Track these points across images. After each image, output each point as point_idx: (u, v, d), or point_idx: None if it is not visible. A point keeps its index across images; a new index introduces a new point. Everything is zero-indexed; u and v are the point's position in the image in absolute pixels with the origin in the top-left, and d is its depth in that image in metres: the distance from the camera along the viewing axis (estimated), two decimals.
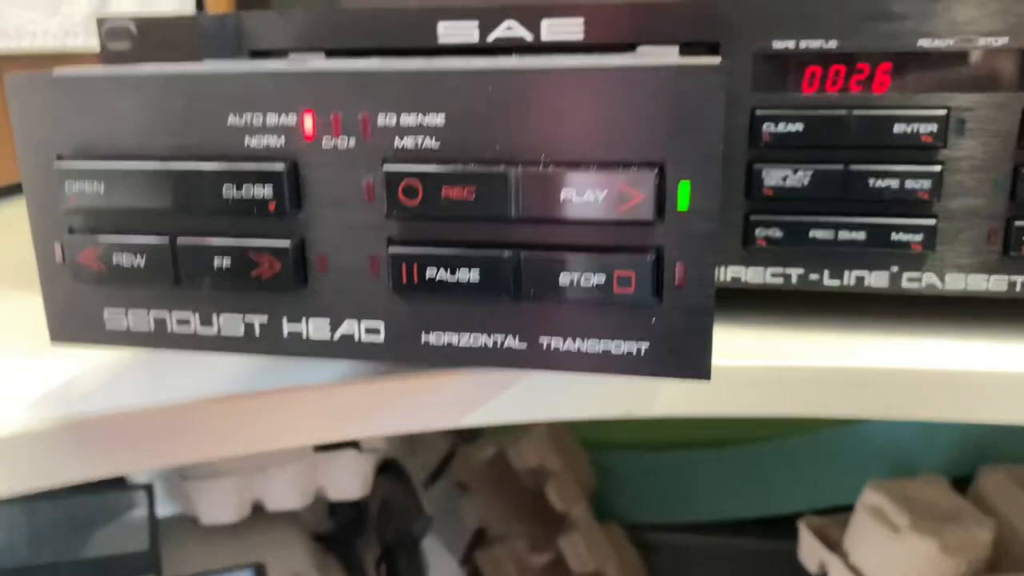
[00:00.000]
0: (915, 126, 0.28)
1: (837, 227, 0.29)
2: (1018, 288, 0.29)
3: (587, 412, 0.26)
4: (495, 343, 0.20)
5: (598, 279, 0.18)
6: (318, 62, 0.20)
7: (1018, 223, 0.28)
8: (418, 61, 0.19)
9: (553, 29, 0.29)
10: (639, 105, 0.18)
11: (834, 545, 0.76)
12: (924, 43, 0.28)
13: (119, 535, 0.57)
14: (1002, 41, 0.27)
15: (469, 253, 0.19)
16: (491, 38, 0.30)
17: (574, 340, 0.19)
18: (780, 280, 0.30)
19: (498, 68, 0.18)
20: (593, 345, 0.19)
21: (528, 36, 0.30)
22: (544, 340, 0.20)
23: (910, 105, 0.28)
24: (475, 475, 0.87)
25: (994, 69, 0.28)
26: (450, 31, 0.30)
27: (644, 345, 0.19)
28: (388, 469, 0.75)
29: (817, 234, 0.29)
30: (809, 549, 0.76)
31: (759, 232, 0.30)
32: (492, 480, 0.92)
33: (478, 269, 0.19)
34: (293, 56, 0.29)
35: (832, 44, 0.28)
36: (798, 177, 0.29)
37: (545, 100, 0.18)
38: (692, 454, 0.89)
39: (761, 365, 0.28)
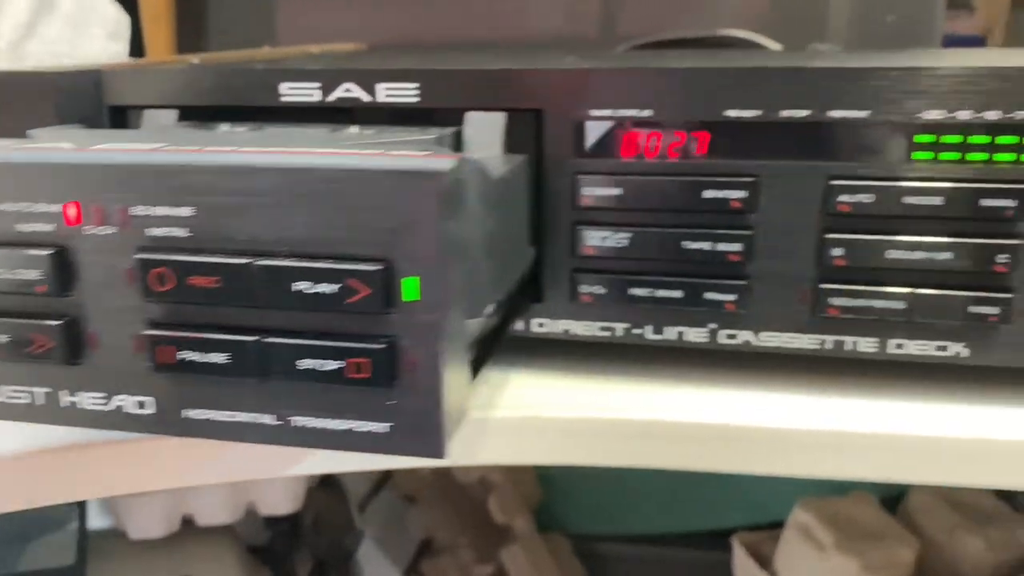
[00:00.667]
0: (725, 192, 0.29)
1: (655, 285, 0.30)
2: (828, 346, 0.30)
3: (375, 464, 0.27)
4: (250, 420, 0.21)
5: (335, 364, 0.20)
6: (87, 150, 0.21)
7: (824, 286, 0.30)
8: (171, 153, 0.20)
9: (388, 92, 0.30)
10: (366, 205, 0.19)
11: (766, 561, 0.77)
12: (731, 113, 0.29)
13: (47, 549, 0.58)
14: (804, 113, 0.28)
15: (218, 337, 0.20)
16: (331, 98, 0.31)
17: (320, 419, 0.21)
18: (607, 333, 0.32)
19: (239, 163, 0.20)
20: (337, 424, 0.20)
21: (365, 97, 0.31)
22: (293, 419, 0.21)
23: (721, 172, 0.29)
24: (421, 487, 0.88)
25: (799, 139, 0.29)
26: (293, 91, 0.31)
27: (384, 426, 0.20)
28: (323, 483, 0.77)
29: (637, 291, 0.31)
30: (742, 565, 0.77)
31: (583, 288, 0.31)
32: (438, 491, 0.93)
33: (227, 353, 0.20)
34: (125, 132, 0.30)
35: (646, 113, 0.29)
36: (617, 238, 0.30)
37: (282, 196, 0.20)
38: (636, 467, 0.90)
39: (558, 416, 0.29)
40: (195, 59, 0.39)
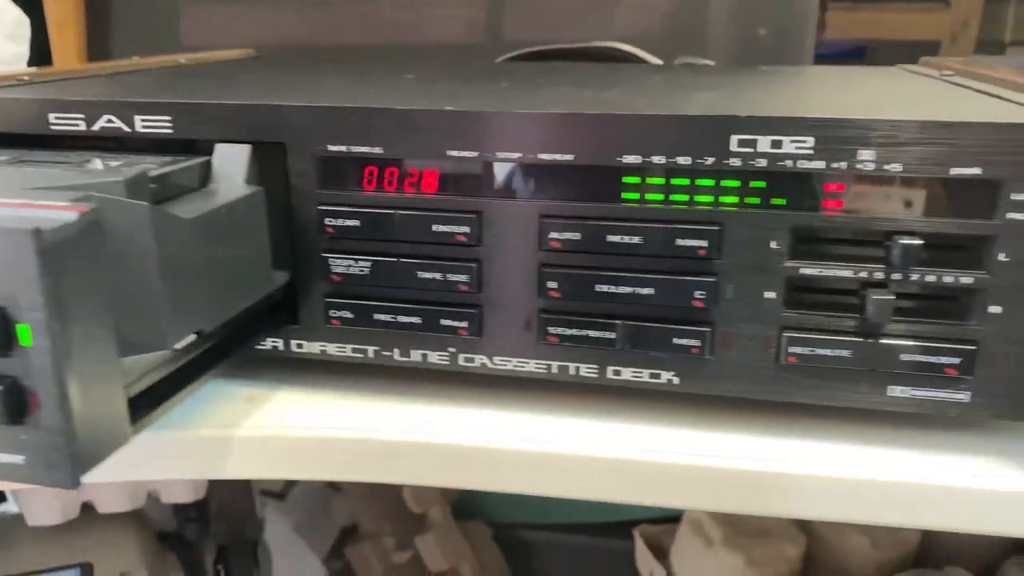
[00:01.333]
0: (451, 227, 0.31)
1: (396, 312, 0.32)
2: (554, 371, 0.32)
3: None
4: None
5: None
6: None
7: (543, 315, 0.31)
8: None
9: (145, 123, 0.32)
10: None
11: (664, 553, 0.79)
12: (452, 153, 0.30)
13: None
14: (516, 155, 0.30)
15: None
16: (96, 127, 0.33)
17: None
18: (360, 355, 0.34)
19: None
20: None
21: (126, 128, 0.33)
22: None
23: (448, 208, 0.31)
24: None
25: (515, 178, 0.30)
26: (60, 121, 0.33)
27: (19, 458, 0.22)
28: None
29: (380, 316, 0.32)
30: (642, 557, 0.80)
31: (332, 313, 0.33)
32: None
33: None
34: None
35: (378, 150, 0.31)
36: (360, 266, 0.32)
37: None
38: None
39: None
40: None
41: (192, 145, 0.32)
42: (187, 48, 0.72)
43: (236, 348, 0.31)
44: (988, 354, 0.29)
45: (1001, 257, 0.28)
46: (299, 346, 0.34)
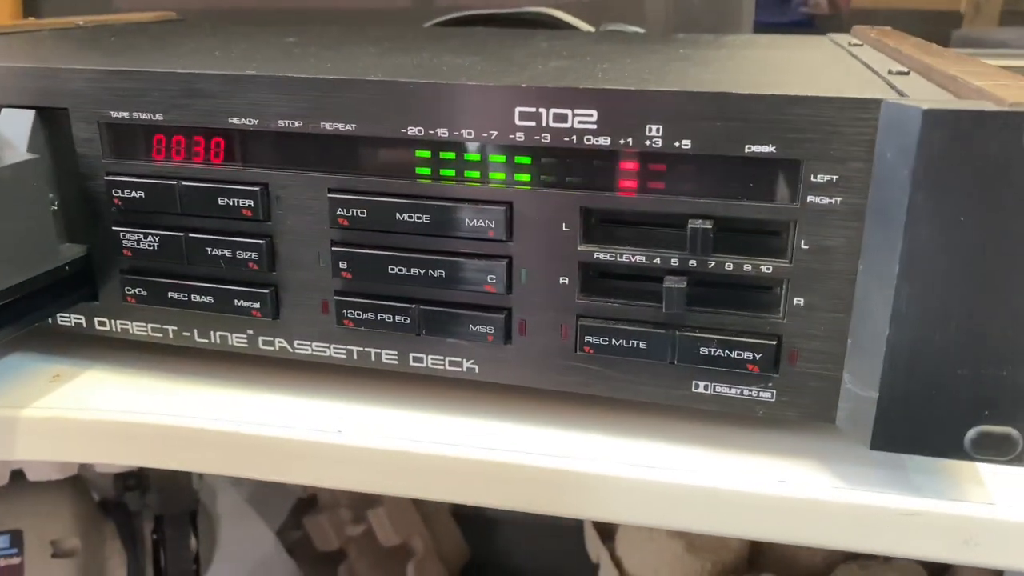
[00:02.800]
0: (236, 200, 0.29)
1: (189, 290, 0.30)
2: (355, 357, 0.30)
3: None
4: None
5: None
6: None
7: (338, 298, 0.29)
8: None
9: None
10: None
11: (610, 535, 0.78)
12: (234, 121, 0.28)
13: None
14: (297, 123, 0.28)
15: None
16: None
17: None
18: (160, 335, 0.32)
19: None
20: None
21: None
22: None
23: (233, 180, 0.29)
24: None
25: (301, 149, 0.28)
26: None
27: None
28: None
29: (174, 295, 0.31)
30: (590, 539, 0.78)
31: (128, 290, 0.31)
32: None
33: None
34: None
35: (159, 117, 0.29)
36: (149, 241, 0.30)
37: None
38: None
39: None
40: None
41: None
42: (117, 10, 0.70)
43: (15, 324, 0.30)
44: (792, 349, 0.26)
45: (803, 244, 0.25)
46: (101, 324, 0.32)
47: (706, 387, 0.27)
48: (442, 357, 0.29)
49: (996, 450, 0.24)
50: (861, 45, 0.44)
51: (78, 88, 0.29)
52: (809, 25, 0.67)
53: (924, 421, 0.24)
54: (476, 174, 0.27)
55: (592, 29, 0.63)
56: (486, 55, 0.35)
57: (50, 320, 0.32)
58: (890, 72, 0.30)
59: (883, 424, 0.25)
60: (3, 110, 0.30)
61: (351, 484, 0.29)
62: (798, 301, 0.26)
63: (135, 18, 0.62)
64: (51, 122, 0.30)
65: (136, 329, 0.32)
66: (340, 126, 0.28)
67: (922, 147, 0.22)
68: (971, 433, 0.24)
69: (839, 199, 0.25)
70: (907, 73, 0.31)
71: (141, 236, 0.30)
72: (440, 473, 0.28)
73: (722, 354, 0.26)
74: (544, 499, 0.28)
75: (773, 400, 0.27)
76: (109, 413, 0.31)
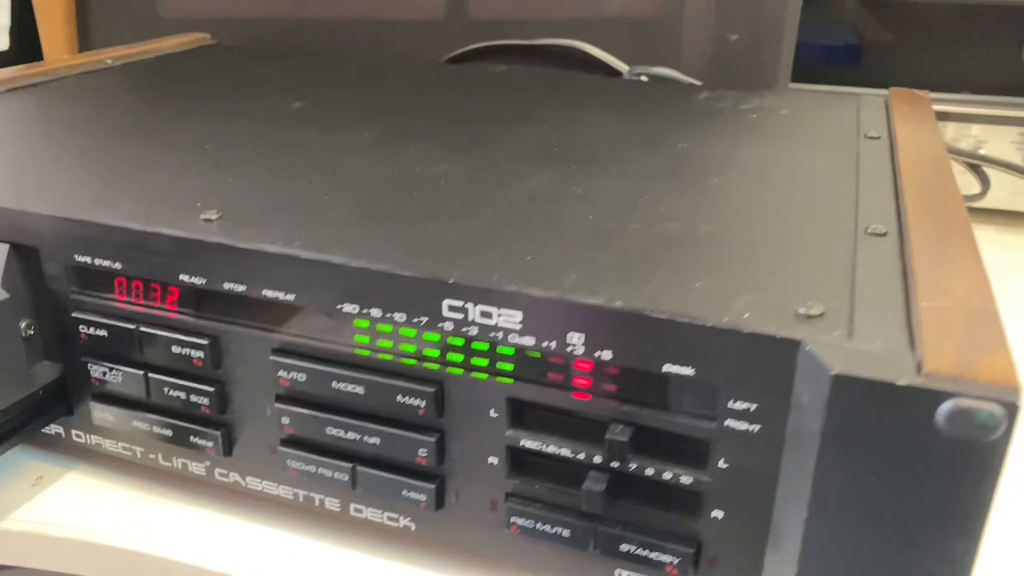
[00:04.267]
0: (189, 350, 0.30)
1: (151, 423, 0.32)
2: (301, 499, 0.31)
3: None
4: None
5: None
6: None
7: (282, 449, 0.30)
8: None
9: None
10: None
11: None
12: (184, 278, 0.29)
13: None
14: (242, 288, 0.28)
15: None
16: None
17: None
18: (129, 454, 0.34)
19: None
20: None
21: None
22: None
23: (186, 330, 0.30)
24: None
25: (247, 309, 0.29)
26: None
27: None
28: None
29: (137, 425, 0.32)
30: None
31: (96, 413, 0.33)
32: None
33: None
34: None
35: (117, 266, 0.30)
36: (113, 374, 0.32)
37: None
38: None
39: None
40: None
41: None
42: (166, 21, 0.71)
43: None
44: (712, 556, 0.26)
45: (721, 463, 0.25)
46: (78, 436, 0.34)
47: None
48: (380, 511, 0.30)
49: None
50: (878, 139, 0.42)
51: (45, 231, 0.31)
52: (854, 59, 0.63)
53: None
54: (412, 348, 0.27)
55: (625, 68, 0.61)
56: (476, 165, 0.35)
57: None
58: (866, 231, 0.29)
59: None
60: None
61: None
62: (716, 513, 0.25)
63: (167, 46, 0.62)
64: (25, 256, 0.31)
65: (107, 446, 0.34)
66: (280, 295, 0.28)
67: (831, 407, 0.21)
68: None
69: (758, 427, 0.24)
70: (884, 235, 0.30)
71: (107, 369, 0.32)
72: None
73: (642, 553, 0.26)
74: None
75: None
76: (77, 532, 0.32)
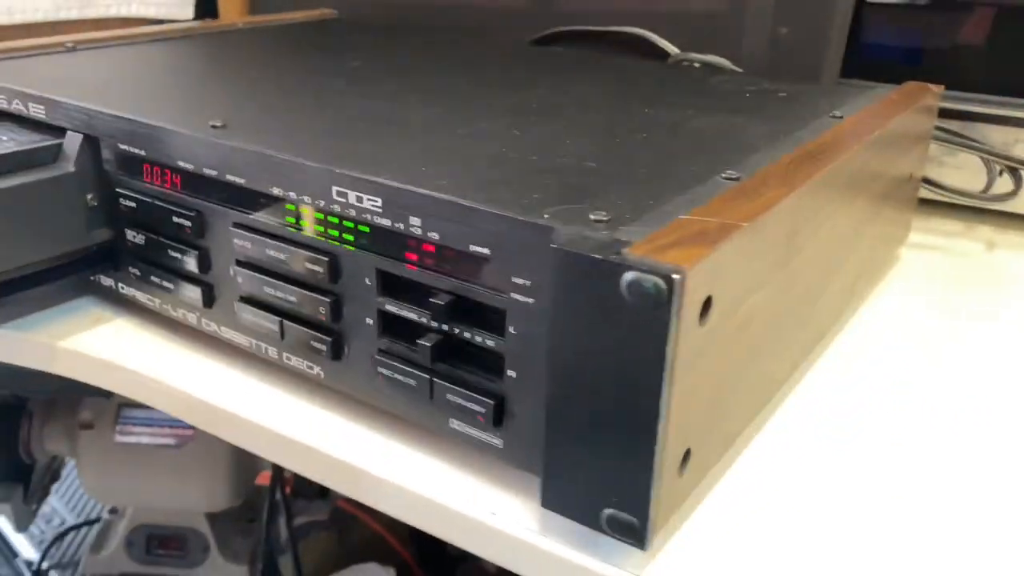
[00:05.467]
0: (182, 220, 0.40)
1: (160, 276, 0.42)
2: (252, 348, 0.40)
3: None
4: None
5: None
6: None
7: (238, 303, 0.39)
8: None
9: (32, 109, 0.44)
10: None
11: None
12: (180, 163, 0.39)
13: None
14: (215, 172, 0.38)
15: None
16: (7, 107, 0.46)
17: None
18: (151, 304, 0.44)
19: None
20: None
21: (21, 109, 0.45)
22: None
23: (181, 204, 0.40)
24: None
25: (219, 190, 0.38)
26: None
27: None
28: None
29: (153, 278, 0.43)
30: None
31: (129, 269, 0.44)
32: None
33: None
34: None
35: (143, 152, 0.40)
36: (138, 237, 0.42)
37: None
38: None
39: None
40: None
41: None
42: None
43: (55, 281, 0.43)
44: (510, 411, 0.32)
45: (511, 329, 0.31)
46: (121, 288, 0.45)
47: (459, 425, 0.34)
48: (302, 360, 0.39)
49: (626, 534, 0.29)
50: (840, 118, 0.46)
51: (101, 125, 0.41)
52: (915, 59, 0.64)
53: (576, 492, 0.29)
54: (320, 228, 0.36)
55: (678, 51, 0.66)
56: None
57: (101, 280, 0.46)
58: (721, 176, 0.34)
59: (548, 487, 0.30)
60: (68, 132, 0.43)
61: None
62: (511, 373, 0.32)
63: (294, 18, 0.74)
64: (91, 144, 0.42)
65: (139, 297, 0.44)
66: (236, 179, 0.37)
67: (554, 276, 0.27)
68: (606, 512, 0.29)
69: (533, 300, 0.30)
70: (736, 179, 0.34)
71: (135, 233, 0.42)
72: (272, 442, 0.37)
73: (462, 404, 0.33)
74: (341, 482, 0.36)
75: (502, 447, 0.33)
76: (109, 356, 0.43)
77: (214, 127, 0.39)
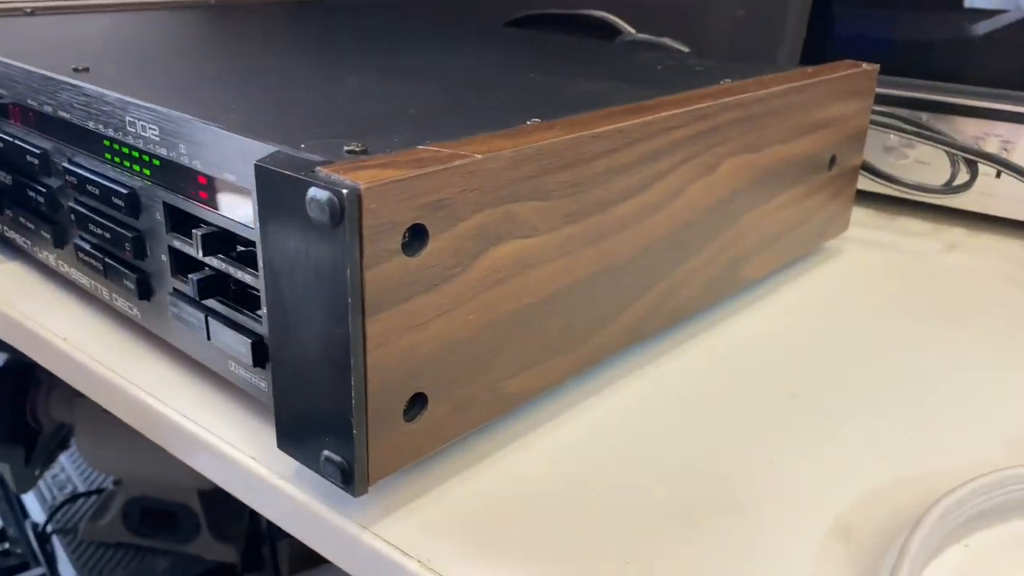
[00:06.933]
0: (34, 158, 0.40)
1: (14, 209, 0.43)
2: (80, 280, 0.40)
3: None
4: None
5: None
6: None
7: (76, 241, 0.40)
8: None
9: None
10: None
11: None
12: (32, 103, 0.40)
13: None
14: (54, 111, 0.38)
15: None
16: None
17: None
18: (12, 237, 0.45)
19: None
20: None
21: None
22: None
23: (33, 143, 0.40)
24: None
25: (60, 129, 0.39)
26: None
27: None
28: None
29: (8, 211, 0.43)
30: None
31: None
32: None
33: None
34: None
35: (3, 93, 0.41)
36: (3, 177, 0.43)
37: None
38: None
39: None
40: None
41: None
42: None
43: None
44: (266, 346, 0.31)
45: (261, 263, 0.30)
46: (6, 231, 0.46)
47: (235, 367, 0.33)
48: (125, 302, 0.38)
49: (338, 478, 0.27)
50: (730, 83, 0.43)
51: None
52: (883, 48, 0.59)
53: (301, 434, 0.28)
54: (124, 163, 0.35)
55: (634, 33, 0.64)
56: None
57: None
58: (526, 123, 0.32)
59: (280, 428, 0.29)
60: None
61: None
62: (263, 310, 0.30)
63: None
64: None
65: (17, 239, 0.45)
66: (68, 116, 0.37)
67: (258, 195, 0.26)
68: (323, 454, 0.28)
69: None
70: (536, 122, 0.32)
71: (3, 174, 0.43)
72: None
73: (231, 343, 0.32)
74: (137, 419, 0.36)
75: (266, 389, 0.32)
76: None
77: (75, 70, 0.39)
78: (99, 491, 1.15)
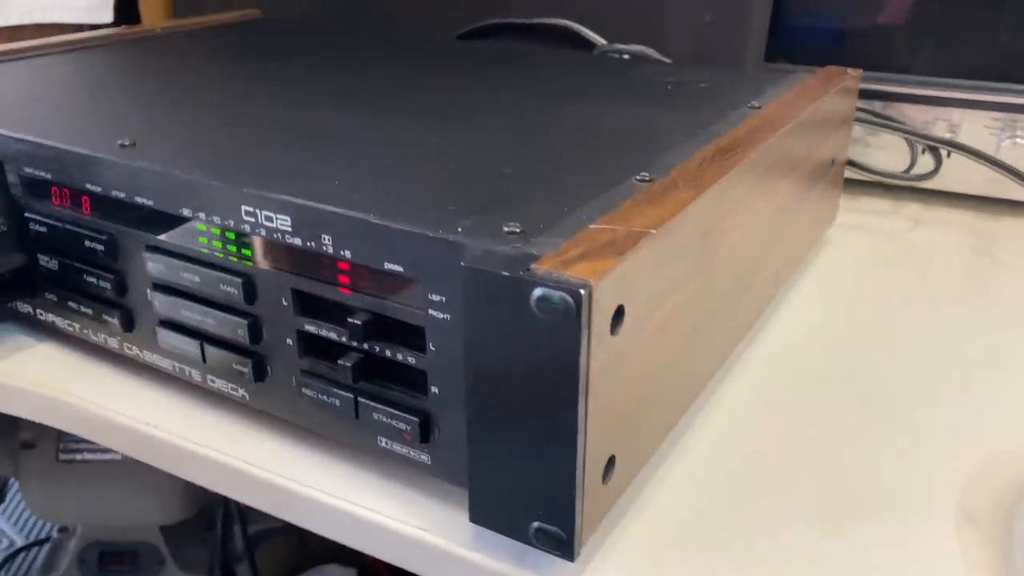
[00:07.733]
0: (95, 244, 0.39)
1: (76, 301, 0.41)
2: (174, 370, 0.39)
3: None
4: None
5: None
6: None
7: (159, 328, 0.38)
8: None
9: None
10: None
11: None
12: (88, 187, 0.38)
13: None
14: (123, 195, 0.37)
15: None
16: None
17: None
18: (71, 328, 0.43)
19: None
20: None
21: None
22: None
23: (93, 228, 0.39)
24: None
25: (131, 213, 0.37)
26: None
27: None
28: None
29: (70, 304, 0.41)
30: None
31: (46, 295, 0.42)
32: None
33: None
34: None
35: (49, 176, 0.39)
36: (52, 262, 0.41)
37: None
38: None
39: None
40: None
41: None
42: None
43: None
44: (436, 427, 0.32)
45: (431, 346, 0.31)
46: (39, 314, 0.44)
47: (387, 443, 0.34)
48: (226, 383, 0.38)
49: (554, 547, 0.29)
50: (759, 108, 0.46)
51: (7, 148, 0.40)
52: (838, 40, 0.64)
53: (503, 507, 0.29)
54: (233, 248, 0.35)
55: (603, 42, 0.66)
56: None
57: (18, 307, 0.44)
58: (635, 179, 0.34)
59: (476, 502, 0.30)
60: None
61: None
62: (435, 389, 0.31)
63: (218, 20, 0.73)
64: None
65: (59, 323, 0.43)
66: (145, 201, 0.36)
67: (465, 293, 0.27)
68: (533, 526, 0.29)
69: (450, 315, 0.30)
70: (649, 180, 0.34)
71: (48, 258, 0.41)
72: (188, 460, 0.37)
73: (387, 421, 0.33)
74: (269, 502, 0.35)
75: (430, 463, 0.33)
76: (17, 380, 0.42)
77: (122, 146, 0.38)
78: (41, 542, 1.09)
